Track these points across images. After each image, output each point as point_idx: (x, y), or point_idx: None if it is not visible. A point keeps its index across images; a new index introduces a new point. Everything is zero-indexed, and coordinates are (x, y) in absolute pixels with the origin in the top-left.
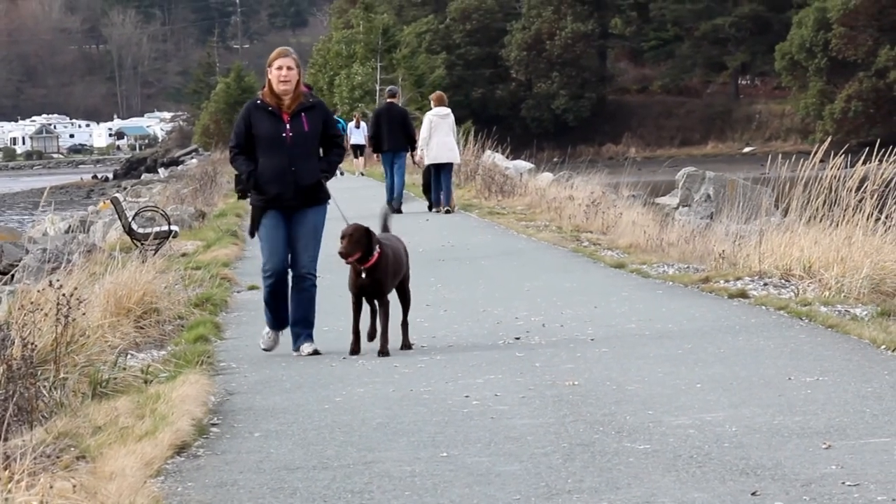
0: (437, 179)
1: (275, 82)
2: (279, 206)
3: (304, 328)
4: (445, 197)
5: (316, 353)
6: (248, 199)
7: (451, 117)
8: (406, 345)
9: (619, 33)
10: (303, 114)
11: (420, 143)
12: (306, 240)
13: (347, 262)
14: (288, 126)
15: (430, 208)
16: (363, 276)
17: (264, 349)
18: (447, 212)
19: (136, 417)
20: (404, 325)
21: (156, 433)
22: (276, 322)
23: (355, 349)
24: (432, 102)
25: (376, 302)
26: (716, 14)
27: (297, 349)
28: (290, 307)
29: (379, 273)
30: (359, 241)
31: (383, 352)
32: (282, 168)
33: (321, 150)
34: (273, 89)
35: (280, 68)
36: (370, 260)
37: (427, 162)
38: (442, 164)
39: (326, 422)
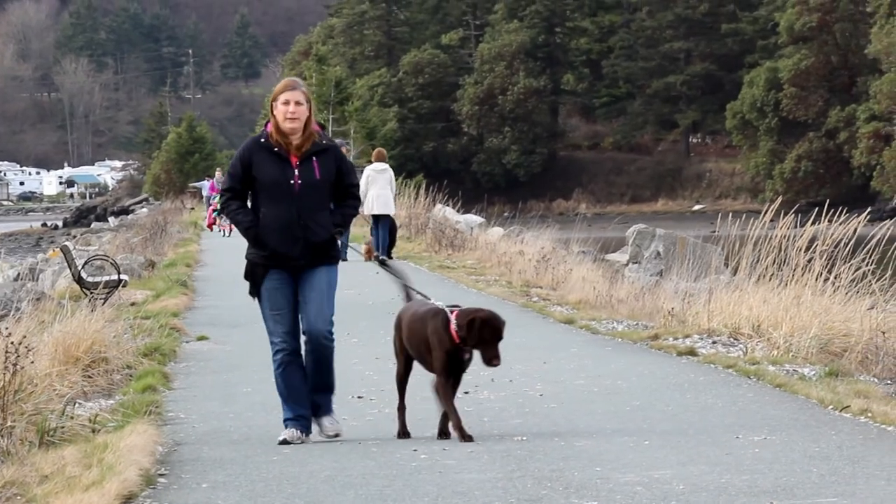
0: (376, 230)
1: (280, 119)
2: (284, 265)
3: (323, 395)
4: (385, 246)
5: (338, 435)
6: (245, 254)
7: (389, 172)
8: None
9: (572, 89)
10: (314, 158)
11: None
12: (320, 300)
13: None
14: (297, 172)
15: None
16: (468, 355)
17: (280, 442)
18: (382, 262)
19: (83, 467)
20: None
21: (103, 483)
22: (297, 415)
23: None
24: (373, 157)
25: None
26: (668, 72)
27: (318, 423)
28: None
29: None
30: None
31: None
32: (289, 221)
33: (333, 201)
34: (279, 127)
35: (287, 103)
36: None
37: (365, 213)
38: (379, 216)
39: (274, 473)
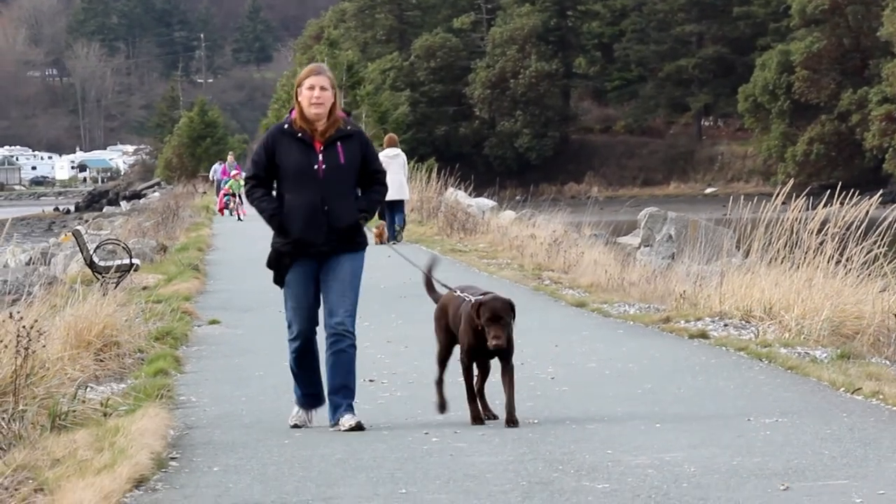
0: (390, 215)
1: (305, 104)
2: (308, 252)
3: (343, 397)
4: (396, 230)
5: (359, 426)
6: (271, 242)
7: (402, 157)
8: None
9: (583, 73)
10: (339, 143)
11: None
12: (342, 289)
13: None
14: (321, 157)
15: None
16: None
17: (292, 426)
18: (394, 243)
19: (94, 450)
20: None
21: (114, 466)
22: (307, 398)
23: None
24: (385, 143)
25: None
26: (679, 55)
27: (335, 422)
28: (325, 373)
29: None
30: (509, 324)
31: (514, 420)
32: (313, 207)
33: (359, 187)
34: (303, 113)
35: (312, 88)
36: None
37: None
38: (393, 202)
39: (286, 457)
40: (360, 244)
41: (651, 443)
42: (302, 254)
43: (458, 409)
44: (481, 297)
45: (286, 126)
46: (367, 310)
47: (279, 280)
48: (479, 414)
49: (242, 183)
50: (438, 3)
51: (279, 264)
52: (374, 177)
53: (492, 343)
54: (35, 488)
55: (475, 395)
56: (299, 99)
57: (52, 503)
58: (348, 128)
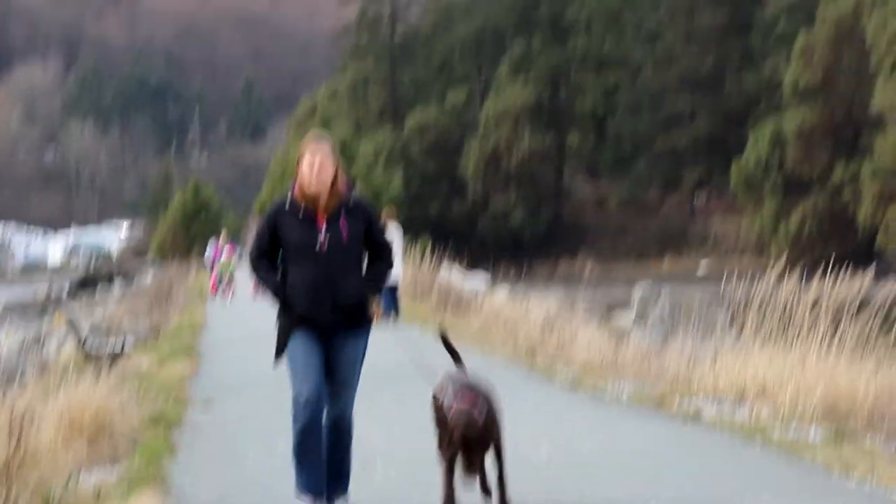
0: (385, 293)
1: (306, 178)
2: (314, 328)
3: (338, 480)
4: (394, 309)
5: None
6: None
7: (399, 231)
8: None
9: (577, 149)
10: (342, 217)
11: None
12: (345, 376)
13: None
14: (323, 232)
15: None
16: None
17: None
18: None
19: None
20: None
21: None
22: (311, 483)
23: None
24: (384, 217)
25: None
26: (672, 130)
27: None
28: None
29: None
30: (481, 452)
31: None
32: (317, 283)
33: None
34: (304, 186)
35: (313, 161)
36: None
37: None
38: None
39: None
40: (366, 322)
41: None
42: (306, 327)
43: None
44: (454, 411)
45: (288, 200)
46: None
47: (280, 352)
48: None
49: (232, 265)
50: (432, 80)
51: (281, 334)
52: (381, 250)
53: (462, 476)
54: None
55: (452, 482)
56: (300, 172)
57: None
58: (352, 200)
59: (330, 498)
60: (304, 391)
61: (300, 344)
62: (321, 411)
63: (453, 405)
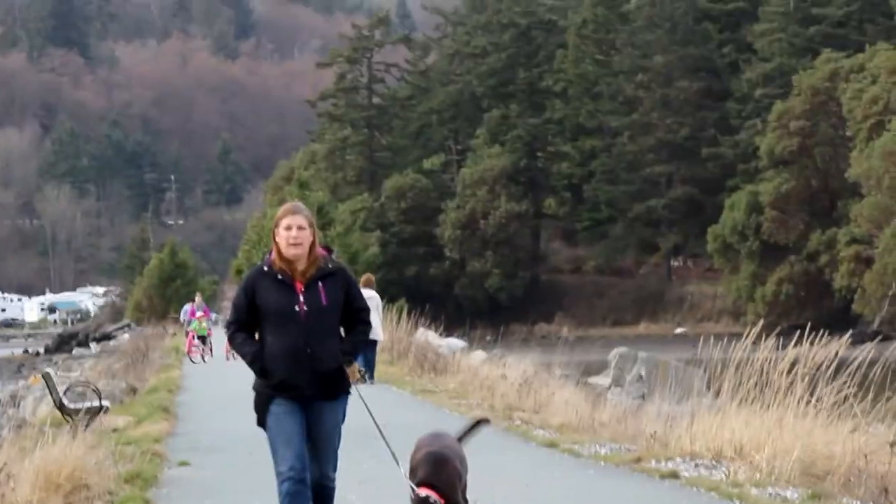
0: (363, 355)
1: (283, 245)
2: (292, 395)
3: None
4: (369, 371)
5: None
6: (252, 385)
7: (377, 299)
8: None
9: (553, 213)
10: (320, 283)
11: None
12: (325, 445)
13: None
14: (302, 298)
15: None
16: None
17: None
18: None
19: None
20: None
21: None
22: None
23: None
24: (361, 283)
25: None
26: (649, 196)
27: None
28: None
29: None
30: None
31: None
32: (295, 350)
33: (342, 328)
34: (282, 254)
35: (289, 228)
36: None
37: None
38: (367, 341)
39: None
40: (344, 389)
41: None
42: (285, 395)
43: None
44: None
45: (266, 268)
46: (340, 449)
47: (262, 421)
48: None
49: (206, 326)
50: (409, 145)
51: (261, 406)
52: (358, 316)
53: None
54: None
55: None
56: (277, 239)
57: None
58: (330, 266)
59: None
60: (286, 462)
61: (280, 414)
62: (305, 480)
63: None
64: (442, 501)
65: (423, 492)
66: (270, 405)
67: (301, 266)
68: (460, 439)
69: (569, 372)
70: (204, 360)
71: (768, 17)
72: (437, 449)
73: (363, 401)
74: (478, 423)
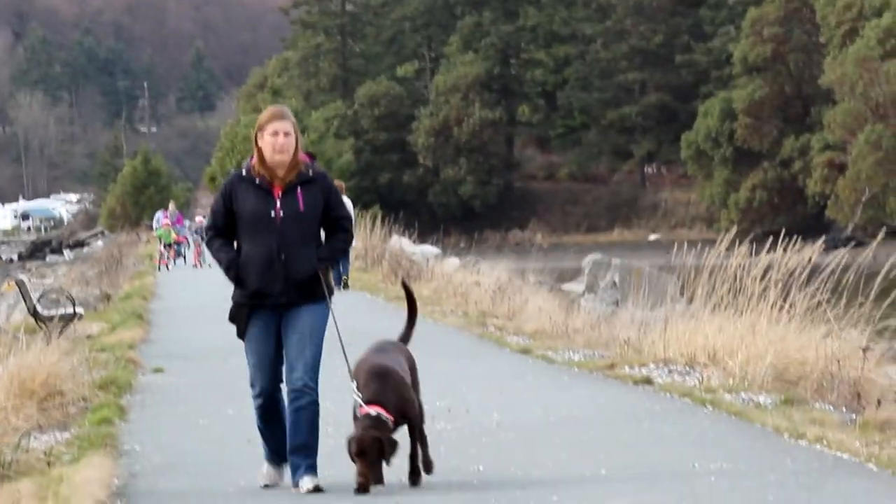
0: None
1: (268, 151)
2: (266, 304)
3: (303, 458)
4: (343, 279)
5: (318, 489)
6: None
7: (349, 205)
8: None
9: (527, 121)
10: (299, 188)
11: None
12: (301, 343)
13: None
14: (279, 204)
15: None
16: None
17: (263, 486)
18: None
19: (38, 500)
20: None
21: None
22: (275, 454)
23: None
24: None
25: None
26: (622, 103)
27: (295, 484)
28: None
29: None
30: (378, 460)
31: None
32: (269, 256)
33: (322, 235)
34: (264, 159)
35: (275, 134)
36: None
37: None
38: None
39: None
40: (320, 294)
41: (596, 489)
42: (260, 306)
43: (403, 456)
44: (358, 421)
45: (245, 172)
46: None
47: (241, 335)
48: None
49: (175, 233)
50: (382, 52)
51: (238, 317)
52: (338, 223)
53: (356, 481)
54: None
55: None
56: (260, 144)
57: None
58: (311, 172)
59: (294, 475)
60: (256, 383)
61: (255, 335)
62: (276, 399)
63: (358, 412)
64: (392, 418)
65: (373, 409)
66: (247, 322)
67: (281, 172)
68: (405, 339)
69: (542, 279)
70: (167, 269)
71: None
72: (379, 362)
73: (329, 308)
74: (410, 298)
